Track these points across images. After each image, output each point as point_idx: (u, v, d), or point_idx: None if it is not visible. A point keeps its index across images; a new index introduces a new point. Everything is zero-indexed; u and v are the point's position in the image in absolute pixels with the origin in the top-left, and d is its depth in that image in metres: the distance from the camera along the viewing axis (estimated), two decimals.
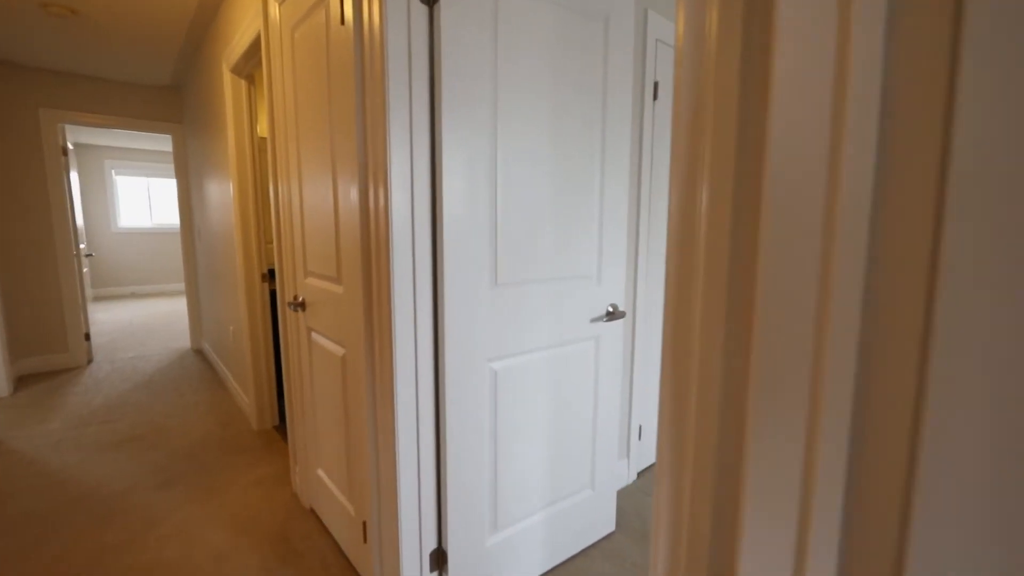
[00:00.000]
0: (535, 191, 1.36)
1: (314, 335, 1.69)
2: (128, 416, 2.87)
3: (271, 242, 2.65)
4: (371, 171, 1.21)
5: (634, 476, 2.19)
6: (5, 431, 2.67)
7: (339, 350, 1.50)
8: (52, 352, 3.71)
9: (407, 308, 1.20)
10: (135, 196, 7.45)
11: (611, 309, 1.63)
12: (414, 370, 1.23)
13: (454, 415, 1.28)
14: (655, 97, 1.95)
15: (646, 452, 2.29)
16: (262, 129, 2.94)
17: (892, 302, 0.37)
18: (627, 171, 1.61)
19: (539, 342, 1.44)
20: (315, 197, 1.54)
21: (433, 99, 1.19)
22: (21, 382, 3.46)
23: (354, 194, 1.29)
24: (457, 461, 1.31)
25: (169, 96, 4.02)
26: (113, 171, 7.17)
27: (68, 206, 3.71)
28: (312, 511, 1.92)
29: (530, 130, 1.33)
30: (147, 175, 7.49)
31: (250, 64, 2.23)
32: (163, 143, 6.88)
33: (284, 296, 1.90)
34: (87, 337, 3.91)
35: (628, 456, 2.14)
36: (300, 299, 1.75)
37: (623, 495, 2.06)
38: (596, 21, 1.45)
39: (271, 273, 2.63)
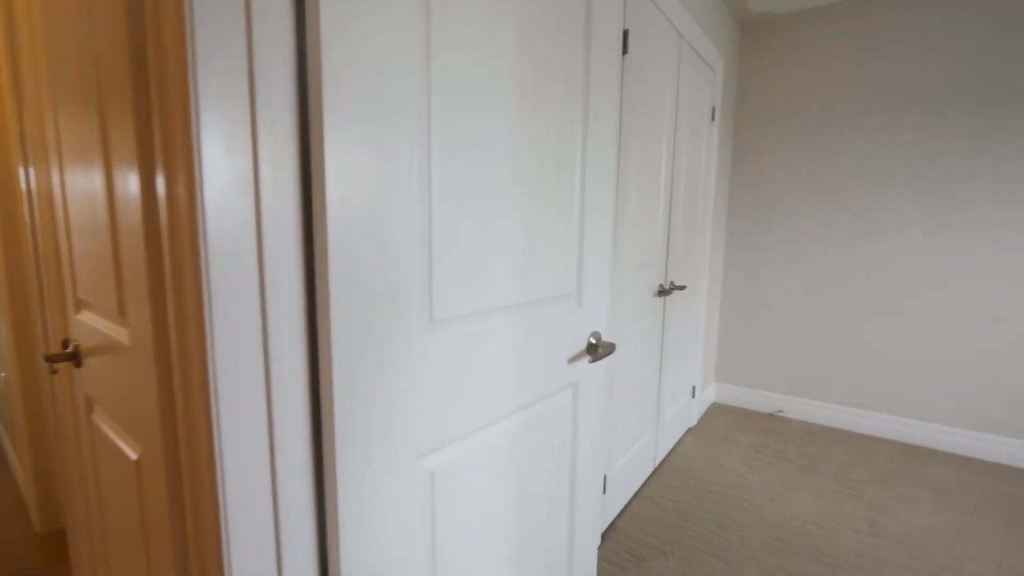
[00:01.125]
0: (491, 177, 0.81)
1: (96, 413, 0.96)
2: None
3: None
4: (159, 138, 0.57)
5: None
6: None
7: (131, 449, 0.81)
8: None
9: (248, 373, 0.57)
10: None
11: (593, 341, 1.12)
12: (270, 494, 0.61)
13: (356, 566, 0.68)
14: (625, 51, 1.49)
15: (612, 505, 1.84)
16: None
17: None
18: (614, 150, 1.12)
19: (499, 408, 0.89)
20: (82, 181, 0.83)
21: (302, 27, 0.58)
22: None
23: (134, 182, 0.64)
24: None
25: None
26: None
27: None
28: None
29: (484, 90, 0.77)
30: None
31: None
32: None
33: (38, 341, 1.12)
34: None
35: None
36: (71, 347, 1.01)
37: None
38: None
39: None
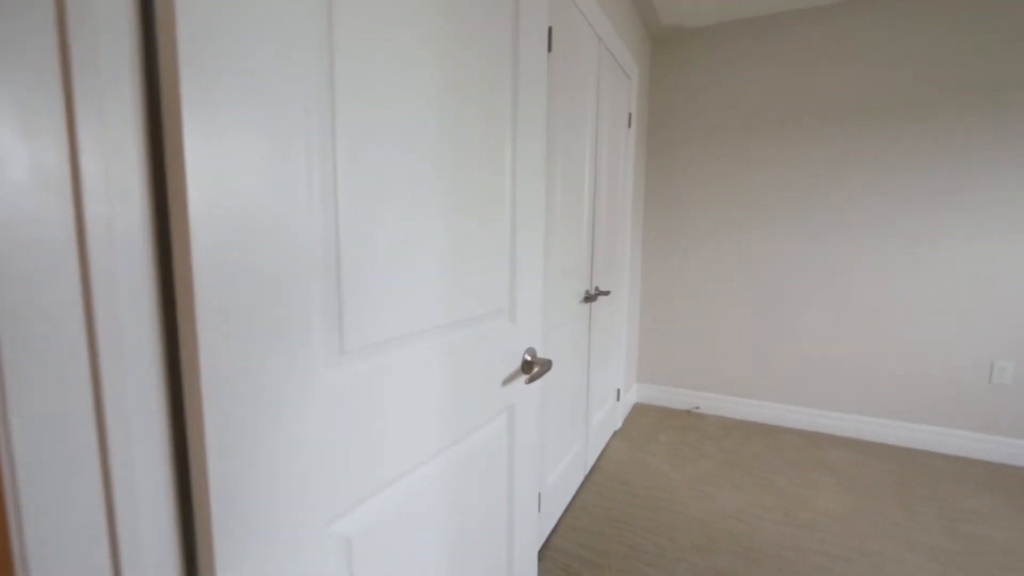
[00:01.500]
0: (413, 181, 0.69)
1: None
2: None
3: None
4: None
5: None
6: None
7: None
8: None
9: (68, 461, 0.40)
10: None
11: (529, 358, 1.03)
12: None
13: None
14: (549, 49, 1.43)
15: (546, 521, 1.77)
16: None
17: None
18: (543, 152, 1.04)
19: (427, 447, 0.77)
20: None
21: None
22: None
23: None
24: None
25: None
26: None
27: None
28: None
29: (401, 80, 0.64)
30: None
31: None
32: None
33: None
34: None
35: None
36: None
37: None
38: None
39: None
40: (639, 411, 3.07)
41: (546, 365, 1.00)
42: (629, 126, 2.54)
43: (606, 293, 2.21)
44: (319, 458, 0.57)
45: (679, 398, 3.11)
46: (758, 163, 2.77)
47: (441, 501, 0.82)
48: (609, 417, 2.58)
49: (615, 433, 2.73)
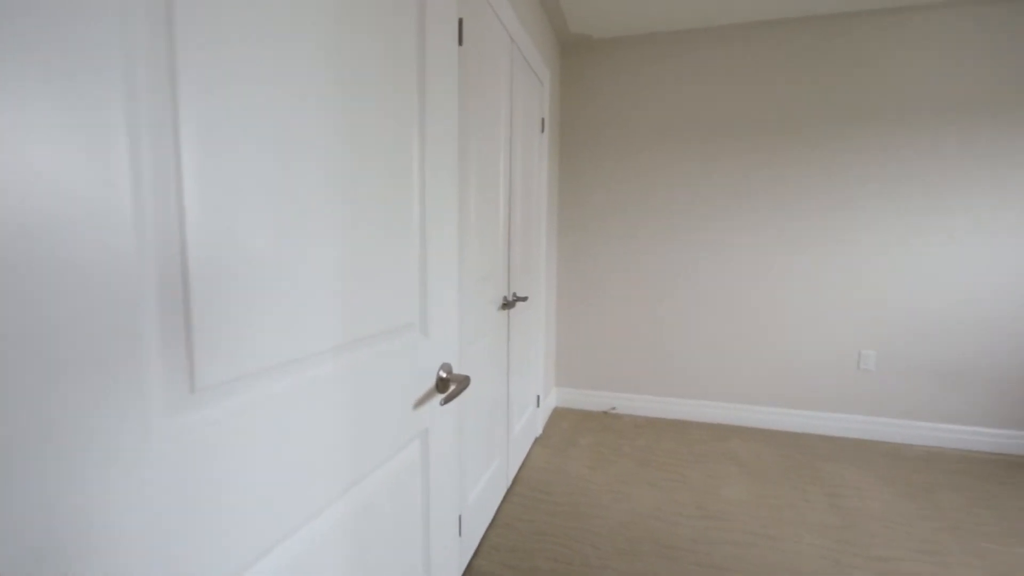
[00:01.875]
0: (293, 174, 0.56)
1: None
2: None
3: None
4: None
5: None
6: None
7: None
8: None
9: None
10: None
11: (444, 375, 0.93)
12: None
13: None
14: (460, 42, 1.34)
15: (468, 543, 1.66)
16: None
17: None
18: (455, 148, 0.95)
19: (318, 497, 0.63)
20: None
21: None
22: None
23: None
24: None
25: None
26: None
27: None
28: None
29: (274, 64, 0.52)
30: None
31: None
32: None
33: None
34: None
35: None
36: None
37: None
38: None
39: None
40: (559, 415, 3.07)
41: (463, 382, 0.91)
42: (542, 131, 2.54)
43: (524, 299, 2.16)
44: (144, 537, 0.43)
45: (596, 400, 3.16)
46: (660, 172, 2.90)
47: (339, 556, 0.68)
48: (530, 424, 2.54)
49: (536, 440, 2.70)
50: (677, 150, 2.87)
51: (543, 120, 2.54)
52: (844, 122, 2.61)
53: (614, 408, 3.13)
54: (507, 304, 2.01)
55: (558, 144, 3.04)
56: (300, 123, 0.56)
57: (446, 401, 0.86)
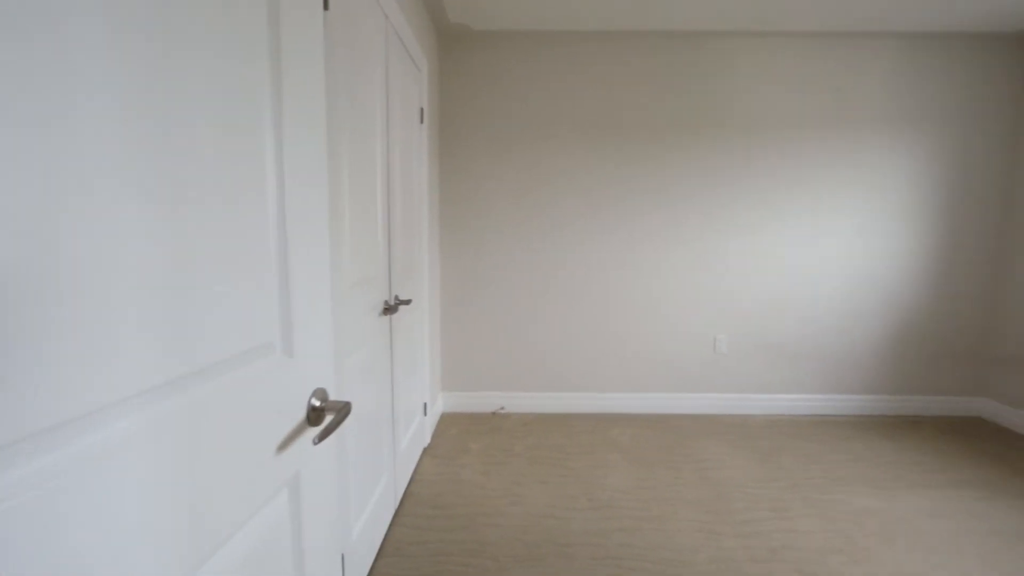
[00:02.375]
0: (76, 144, 0.36)
1: None
2: None
3: None
4: None
5: None
6: None
7: None
8: None
9: None
10: None
11: (318, 404, 0.76)
12: None
13: None
14: (326, 6, 1.14)
15: None
16: None
17: None
18: (321, 131, 0.78)
19: None
20: None
21: None
22: None
23: None
24: None
25: None
26: None
27: None
28: None
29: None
30: None
31: None
32: None
33: None
34: None
35: None
36: None
37: None
38: None
39: None
40: (447, 421, 2.95)
41: (343, 410, 0.75)
42: (422, 122, 2.38)
43: (407, 302, 2.00)
44: None
45: (485, 401, 3.10)
46: (539, 169, 2.94)
47: None
48: (418, 435, 2.38)
49: (425, 450, 2.54)
50: (555, 148, 2.92)
51: (422, 110, 2.38)
52: (703, 129, 2.89)
53: (502, 408, 3.10)
54: (389, 309, 1.83)
55: (438, 138, 2.90)
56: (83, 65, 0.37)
57: (322, 437, 0.69)
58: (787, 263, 2.99)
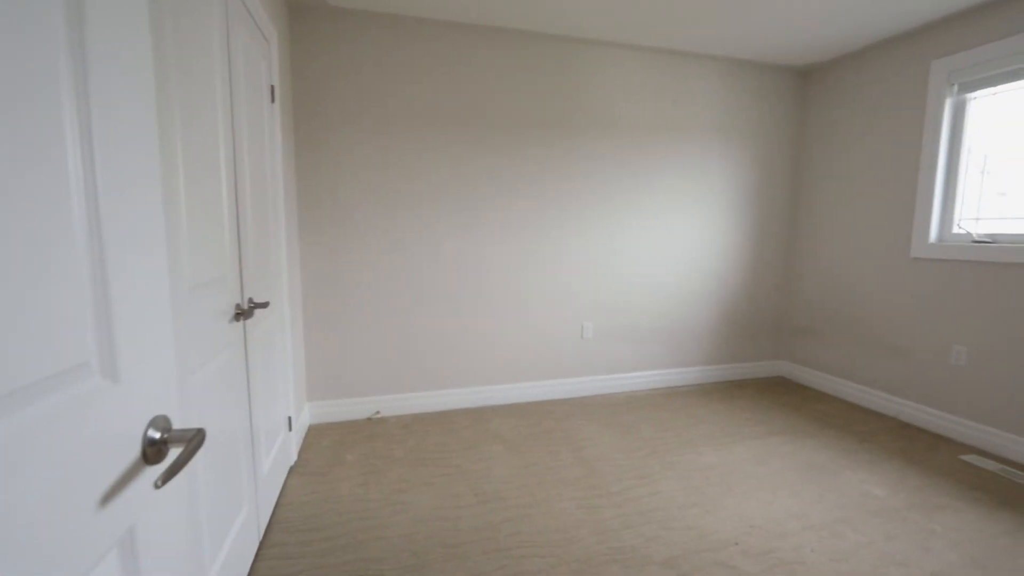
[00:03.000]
0: None
1: None
2: None
3: None
4: None
5: None
6: None
7: None
8: None
9: None
10: None
11: (157, 437, 0.60)
12: None
13: None
14: None
15: None
16: None
17: None
18: (147, 95, 0.61)
19: None
20: None
21: None
22: None
23: None
24: None
25: None
26: None
27: None
28: None
29: None
30: None
31: None
32: None
33: None
34: None
35: None
36: None
37: None
38: None
39: None
40: (317, 434, 2.69)
41: (195, 440, 0.61)
42: (273, 101, 2.11)
43: (263, 305, 1.76)
44: None
45: (359, 407, 2.90)
46: (406, 158, 2.83)
47: None
48: (282, 454, 2.12)
49: (292, 469, 2.28)
50: (423, 141, 2.83)
51: (273, 88, 2.11)
52: (569, 128, 3.05)
53: (378, 413, 2.93)
54: (242, 313, 1.58)
55: (295, 124, 2.61)
56: None
57: (166, 478, 0.55)
58: (641, 255, 3.33)
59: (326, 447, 2.52)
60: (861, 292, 3.17)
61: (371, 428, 2.77)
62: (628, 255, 3.31)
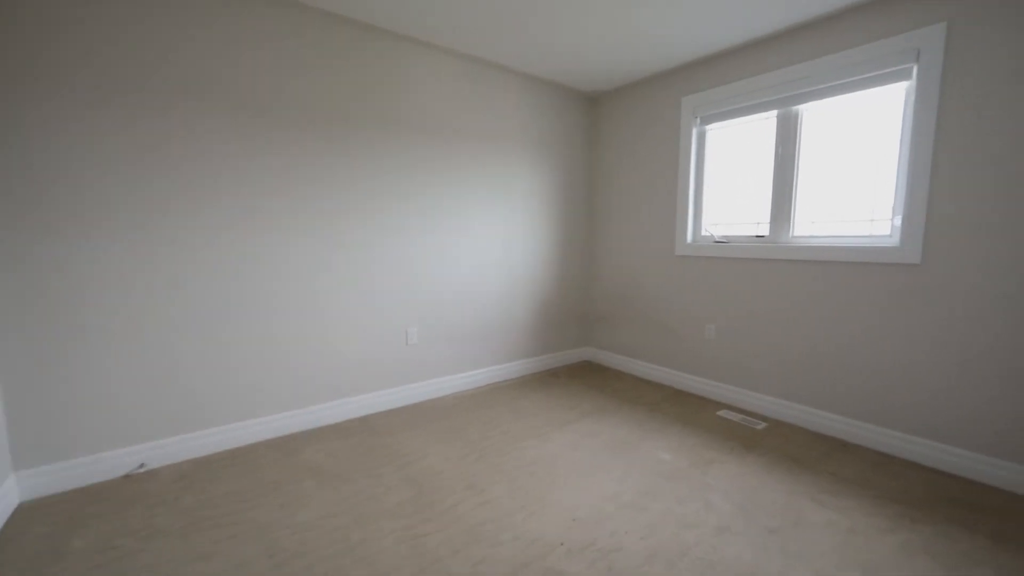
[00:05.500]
0: None
1: None
2: None
3: None
4: None
5: None
6: None
7: None
8: None
9: None
10: None
11: None
12: None
13: None
14: None
15: None
16: None
17: None
18: None
19: None
20: None
21: None
22: None
23: None
24: None
25: None
26: None
27: None
28: None
29: None
30: None
31: None
32: None
33: None
34: None
35: None
36: None
37: None
38: None
39: None
40: (26, 518, 1.75)
41: None
42: None
43: None
44: None
45: (108, 465, 2.01)
46: (171, 149, 2.06)
47: None
48: None
49: None
50: (201, 124, 2.09)
51: None
52: (387, 129, 2.61)
53: (143, 466, 2.08)
54: None
55: None
56: None
57: None
58: (463, 256, 3.09)
59: (40, 536, 1.64)
60: (643, 284, 3.47)
61: (130, 489, 1.93)
62: (451, 256, 3.04)
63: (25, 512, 1.77)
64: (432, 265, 2.95)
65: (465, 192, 3.05)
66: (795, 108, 2.62)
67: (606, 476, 2.06)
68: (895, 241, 2.31)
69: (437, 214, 2.93)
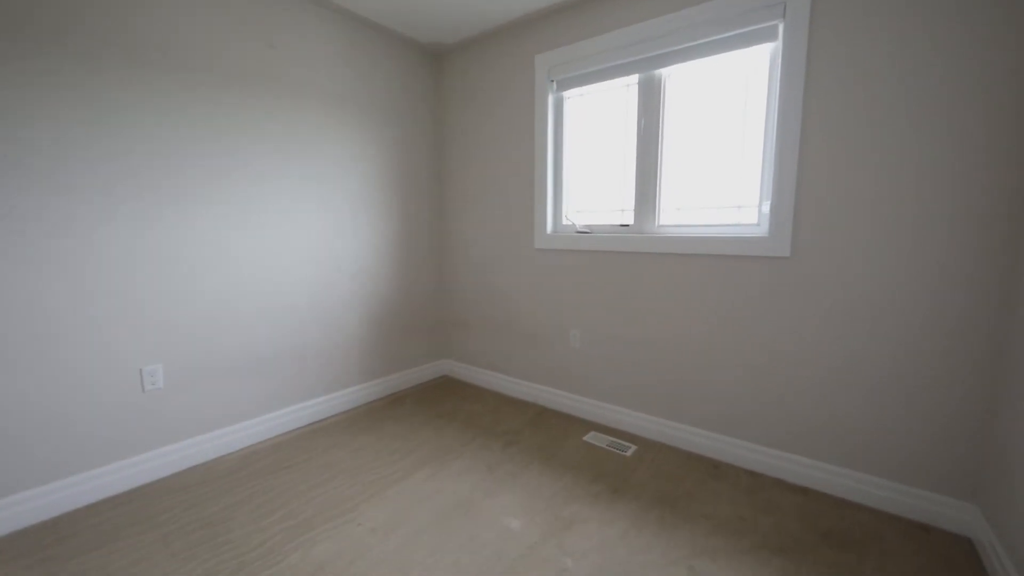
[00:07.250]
0: None
1: None
2: None
3: None
4: None
5: None
6: None
7: None
8: None
9: None
10: None
11: None
12: None
13: None
14: None
15: None
16: None
17: None
18: None
19: None
20: None
21: None
22: None
23: None
24: None
25: None
26: None
27: None
28: None
29: None
30: None
31: None
32: None
33: None
34: None
35: None
36: None
37: None
38: None
39: None
40: None
41: None
42: None
43: None
44: None
45: None
46: None
47: None
48: None
49: None
50: None
51: None
52: (106, 58, 1.45)
53: None
54: None
55: None
56: None
57: None
58: (255, 255, 2.07)
59: None
60: (501, 284, 2.78)
61: None
62: (231, 255, 2.00)
63: None
64: (197, 269, 1.89)
65: (252, 163, 2.02)
66: (658, 72, 2.09)
67: (426, 573, 1.30)
68: (763, 231, 1.89)
69: (207, 195, 1.87)
